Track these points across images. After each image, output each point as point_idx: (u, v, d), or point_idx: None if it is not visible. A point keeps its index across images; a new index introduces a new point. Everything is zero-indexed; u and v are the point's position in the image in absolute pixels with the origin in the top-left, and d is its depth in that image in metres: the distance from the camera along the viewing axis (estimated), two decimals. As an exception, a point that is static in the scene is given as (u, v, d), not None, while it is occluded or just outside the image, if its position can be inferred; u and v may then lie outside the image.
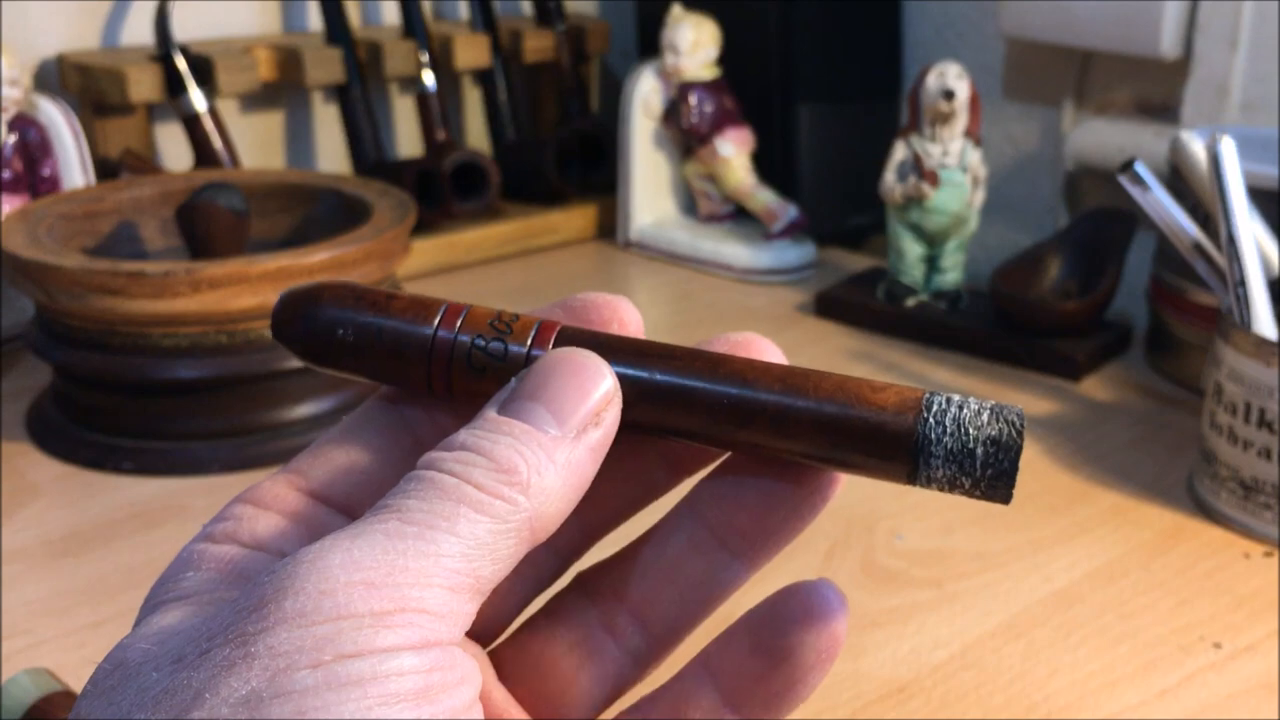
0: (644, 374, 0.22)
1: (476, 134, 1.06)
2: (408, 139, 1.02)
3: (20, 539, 0.54)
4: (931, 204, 0.77)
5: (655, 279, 0.91)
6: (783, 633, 0.23)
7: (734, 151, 0.90)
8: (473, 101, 1.05)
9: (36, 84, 0.84)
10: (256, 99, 0.94)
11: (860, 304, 0.80)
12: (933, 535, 0.55)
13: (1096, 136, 0.86)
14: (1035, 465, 0.62)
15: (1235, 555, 0.54)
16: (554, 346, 0.22)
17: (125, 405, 0.62)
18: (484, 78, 1.00)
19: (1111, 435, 0.65)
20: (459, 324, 0.22)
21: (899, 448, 0.21)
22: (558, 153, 0.96)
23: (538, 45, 1.00)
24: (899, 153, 0.78)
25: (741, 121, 0.91)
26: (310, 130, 0.98)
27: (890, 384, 0.21)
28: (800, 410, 0.21)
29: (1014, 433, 0.20)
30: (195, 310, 0.58)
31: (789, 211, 0.90)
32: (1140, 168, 0.57)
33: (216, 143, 0.85)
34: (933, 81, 0.75)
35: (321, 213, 0.71)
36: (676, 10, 0.90)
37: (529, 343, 0.22)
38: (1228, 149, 0.55)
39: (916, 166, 0.77)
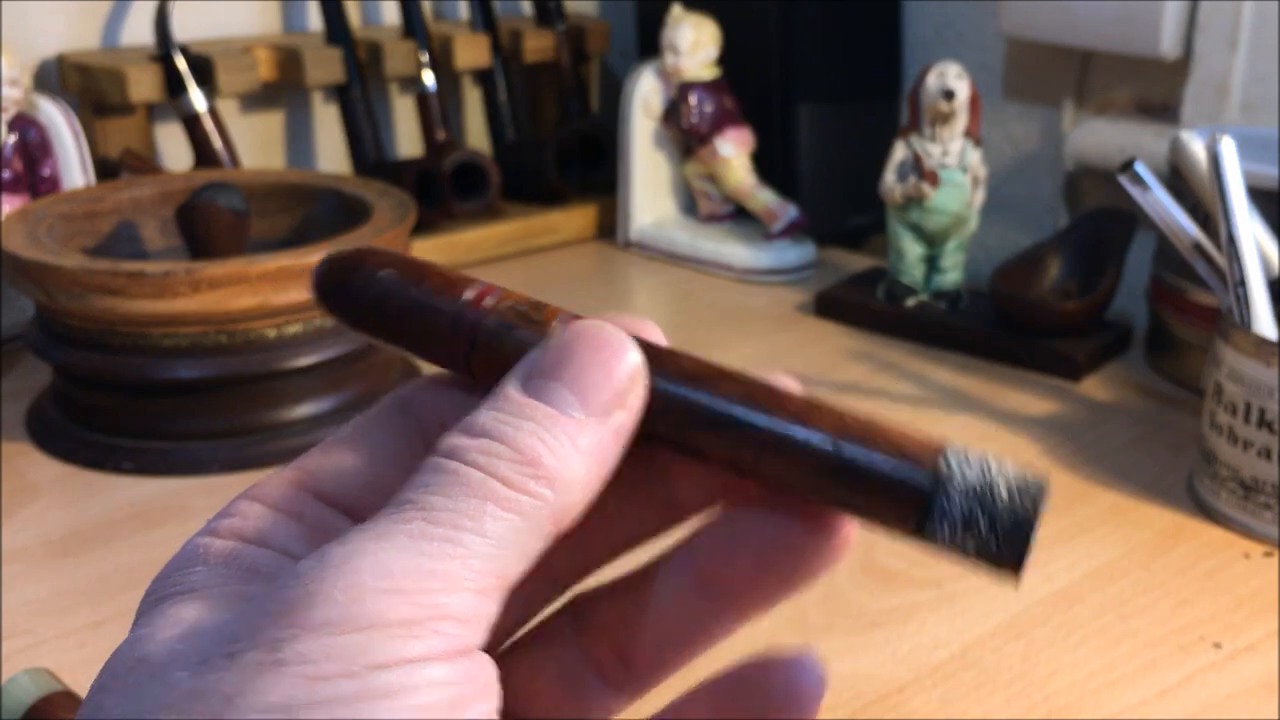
0: (688, 394, 0.20)
1: (476, 134, 1.06)
2: (408, 139, 1.02)
3: (20, 539, 0.54)
4: (931, 204, 0.77)
5: (655, 279, 0.91)
6: (749, 707, 0.22)
7: (734, 151, 0.90)
8: (473, 101, 1.05)
9: (36, 84, 0.84)
10: (256, 99, 0.94)
11: (860, 304, 0.80)
12: (933, 535, 0.55)
13: (1096, 136, 0.86)
14: (1035, 465, 0.61)
15: (1235, 555, 0.54)
16: None
17: (125, 405, 0.62)
18: (484, 78, 1.00)
19: (1111, 435, 0.65)
20: (491, 303, 0.22)
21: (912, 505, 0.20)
22: (558, 153, 0.96)
23: (538, 45, 1.00)
24: (899, 153, 0.78)
25: (741, 121, 0.91)
26: (310, 130, 0.98)
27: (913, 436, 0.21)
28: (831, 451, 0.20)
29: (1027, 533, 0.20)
30: (195, 310, 0.58)
31: (789, 211, 0.90)
32: (1140, 168, 0.57)
33: (216, 143, 0.85)
34: (933, 81, 0.75)
35: (321, 213, 0.71)
36: (676, 10, 0.90)
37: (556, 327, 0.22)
38: (1228, 149, 0.55)
39: (916, 166, 0.77)
